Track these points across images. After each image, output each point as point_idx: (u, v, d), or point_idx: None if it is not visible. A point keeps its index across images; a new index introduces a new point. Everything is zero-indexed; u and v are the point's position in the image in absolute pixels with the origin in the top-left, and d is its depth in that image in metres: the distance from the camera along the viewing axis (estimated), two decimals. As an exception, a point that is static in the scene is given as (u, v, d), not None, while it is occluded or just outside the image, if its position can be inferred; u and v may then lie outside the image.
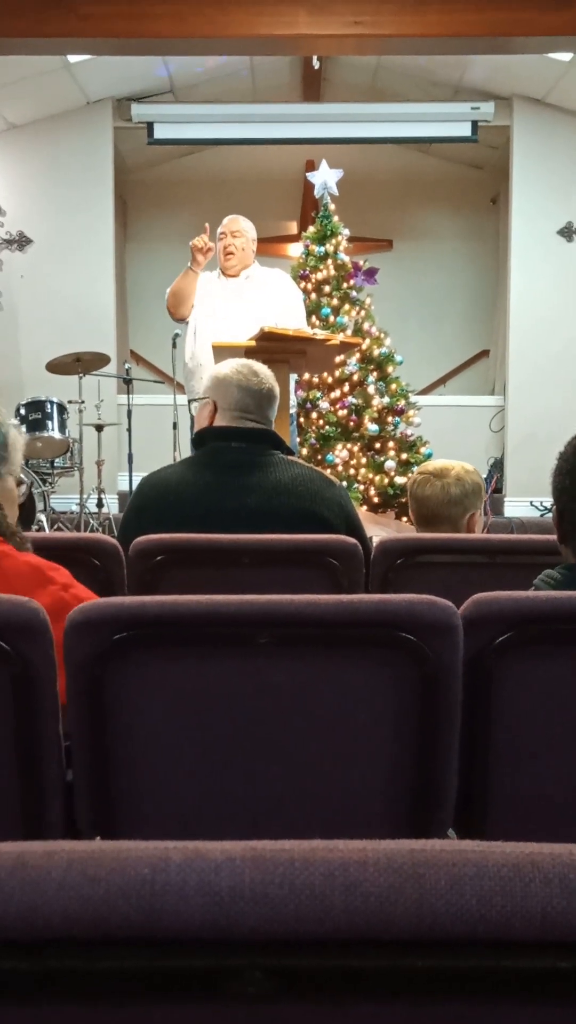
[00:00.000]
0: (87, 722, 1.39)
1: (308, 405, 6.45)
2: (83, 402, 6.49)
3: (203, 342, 4.58)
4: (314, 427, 6.46)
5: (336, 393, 6.52)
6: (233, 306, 4.56)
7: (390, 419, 6.54)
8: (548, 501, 1.83)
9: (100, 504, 6.64)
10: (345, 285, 6.80)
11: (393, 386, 6.62)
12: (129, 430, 6.61)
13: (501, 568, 2.26)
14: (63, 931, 0.58)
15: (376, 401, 6.52)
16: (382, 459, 6.40)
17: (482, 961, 0.58)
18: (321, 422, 6.46)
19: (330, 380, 6.52)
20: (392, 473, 6.35)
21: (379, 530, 5.37)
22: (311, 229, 7.07)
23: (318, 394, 6.49)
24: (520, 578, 1.86)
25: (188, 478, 2.44)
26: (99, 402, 6.82)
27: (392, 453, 6.44)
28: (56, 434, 6.22)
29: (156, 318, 4.88)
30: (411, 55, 7.16)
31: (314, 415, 6.46)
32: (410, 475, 6.24)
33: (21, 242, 8.09)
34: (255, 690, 1.41)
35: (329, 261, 6.84)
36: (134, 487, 2.61)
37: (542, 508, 7.58)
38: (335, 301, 6.70)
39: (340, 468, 6.32)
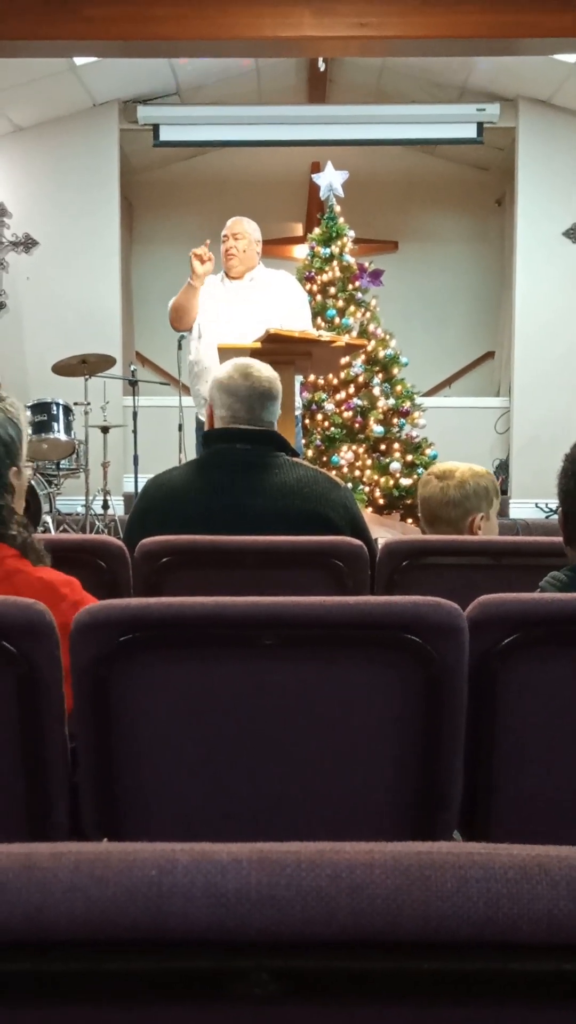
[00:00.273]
0: (92, 723, 1.39)
1: (313, 406, 6.46)
2: (89, 404, 6.50)
3: (207, 346, 4.58)
4: (319, 428, 6.46)
5: (341, 395, 6.53)
6: (237, 309, 4.56)
7: (395, 421, 6.54)
8: (553, 503, 1.83)
9: (106, 506, 6.64)
10: (350, 287, 6.80)
11: (398, 388, 6.63)
12: (135, 432, 6.62)
13: (506, 570, 2.26)
14: (70, 933, 0.58)
15: (381, 403, 6.52)
16: (387, 461, 6.40)
17: (488, 964, 0.57)
18: (326, 423, 6.46)
19: (335, 382, 6.52)
20: (397, 475, 6.34)
21: (384, 532, 5.37)
22: (316, 231, 7.08)
23: (323, 396, 6.49)
24: (525, 580, 1.86)
25: (193, 480, 2.44)
26: (105, 404, 6.82)
27: (397, 455, 6.44)
28: (62, 436, 6.23)
29: (161, 320, 4.87)
30: (416, 57, 7.16)
31: (319, 416, 6.47)
32: (416, 476, 6.26)
33: (27, 244, 8.10)
34: (260, 691, 1.41)
35: (334, 263, 6.85)
36: (140, 489, 2.61)
37: (547, 510, 7.57)
38: (340, 303, 6.70)
39: (345, 469, 6.32)
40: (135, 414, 6.64)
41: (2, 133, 7.96)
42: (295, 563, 2.17)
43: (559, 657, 1.46)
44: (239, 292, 4.68)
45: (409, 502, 6.30)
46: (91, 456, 6.60)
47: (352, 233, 6.99)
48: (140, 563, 2.18)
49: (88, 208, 8.02)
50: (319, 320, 6.45)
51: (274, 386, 2.50)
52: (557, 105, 7.95)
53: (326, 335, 4.24)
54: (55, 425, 6.21)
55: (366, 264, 7.10)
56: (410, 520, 6.29)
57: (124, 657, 1.36)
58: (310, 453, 6.34)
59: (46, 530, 5.91)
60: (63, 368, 6.38)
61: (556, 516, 1.85)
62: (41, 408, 6.22)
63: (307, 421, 6.39)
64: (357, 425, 6.49)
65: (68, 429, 6.31)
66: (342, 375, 6.46)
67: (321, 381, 6.46)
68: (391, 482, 6.34)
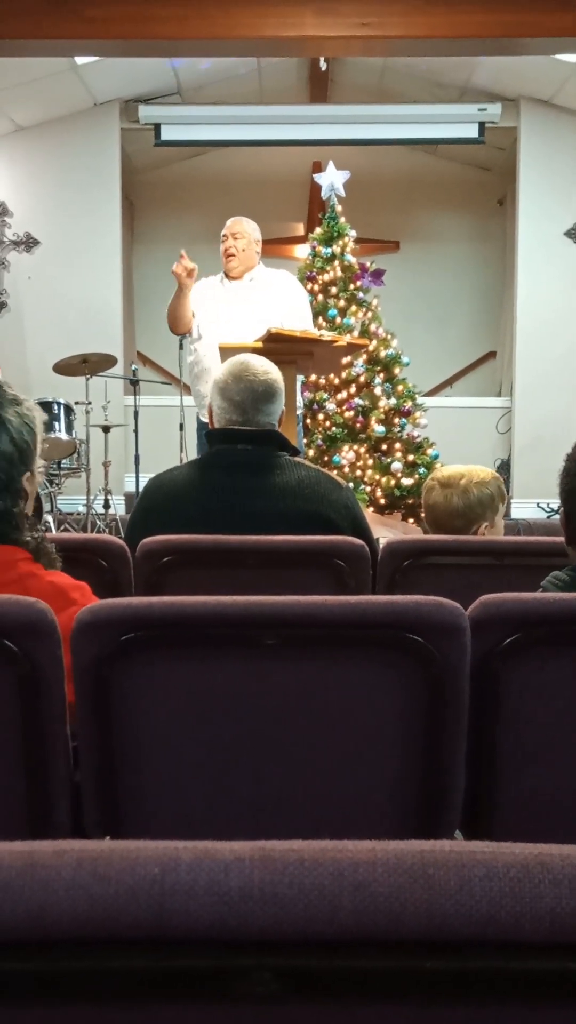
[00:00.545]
0: (94, 723, 1.39)
1: (315, 406, 6.46)
2: (90, 403, 6.50)
3: (207, 346, 4.58)
4: (320, 428, 6.46)
5: (343, 394, 6.53)
6: (237, 309, 4.56)
7: (397, 420, 6.54)
8: (555, 503, 1.83)
9: (107, 505, 6.64)
10: (352, 286, 6.80)
11: (400, 387, 6.62)
12: (136, 431, 6.62)
13: (508, 570, 2.26)
14: (72, 931, 0.58)
15: (383, 402, 6.52)
16: (388, 460, 6.40)
17: (491, 962, 0.57)
18: (328, 423, 6.46)
19: (337, 381, 6.52)
20: (399, 474, 6.34)
21: (386, 531, 5.37)
22: (318, 230, 7.07)
23: (325, 395, 6.49)
24: (527, 580, 1.86)
25: (195, 480, 2.44)
26: (106, 403, 6.82)
27: (399, 454, 6.44)
28: (63, 435, 6.24)
29: (163, 319, 4.87)
30: (418, 56, 7.15)
31: (321, 416, 6.47)
32: (418, 476, 6.26)
33: (28, 243, 8.10)
34: (262, 691, 1.41)
35: (336, 262, 6.85)
36: (141, 488, 2.60)
37: (549, 510, 7.57)
38: (342, 302, 6.70)
39: (347, 469, 6.31)
40: (136, 413, 6.64)
41: (3, 133, 7.96)
42: (296, 563, 2.17)
43: (561, 657, 1.46)
44: (239, 292, 4.67)
45: (411, 502, 6.31)
46: (92, 455, 6.60)
47: (353, 233, 6.99)
48: (141, 563, 2.18)
49: (89, 207, 8.02)
50: (320, 320, 6.45)
51: (271, 385, 2.46)
52: (559, 105, 7.94)
53: (327, 335, 4.24)
54: (56, 424, 6.22)
55: (367, 264, 7.10)
56: (411, 520, 6.29)
57: (125, 656, 1.36)
58: (311, 453, 6.34)
59: (47, 529, 5.92)
60: (64, 367, 6.38)
61: (558, 516, 1.85)
62: (42, 407, 6.19)
63: (308, 421, 6.39)
64: (358, 425, 6.49)
65: (69, 428, 6.31)
66: (343, 375, 6.46)
67: (322, 381, 6.46)
68: (392, 482, 6.34)
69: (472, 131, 8.10)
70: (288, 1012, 0.60)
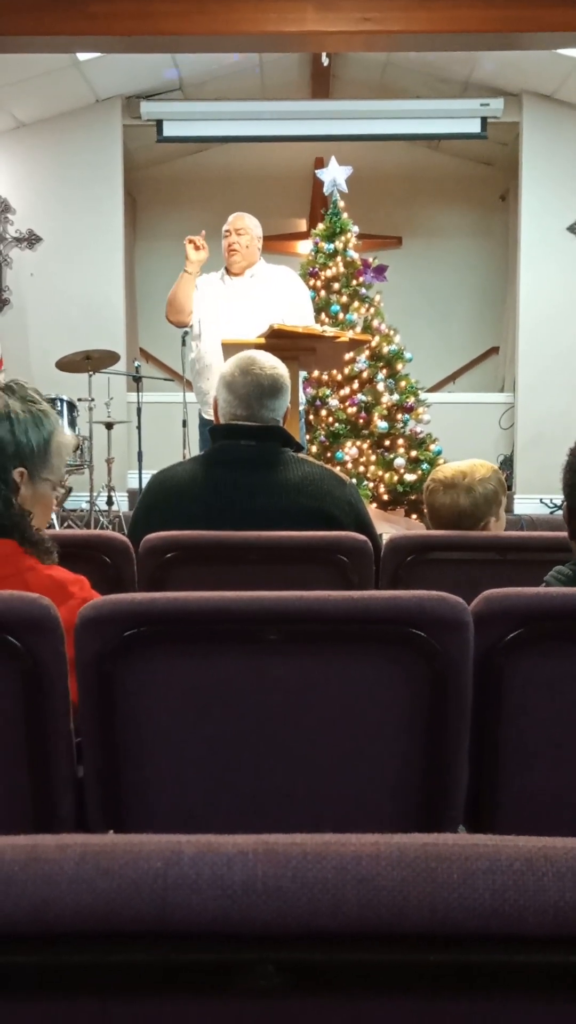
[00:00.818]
0: (97, 718, 1.39)
1: (317, 402, 6.45)
2: (93, 400, 6.50)
3: (208, 343, 4.58)
4: (323, 424, 6.45)
5: (345, 390, 6.52)
6: (238, 305, 4.55)
7: (399, 416, 6.54)
8: (558, 498, 1.83)
9: (110, 502, 6.65)
10: (354, 282, 6.79)
11: (402, 383, 6.62)
12: (139, 428, 6.62)
13: (511, 565, 2.26)
14: (75, 925, 0.58)
15: (385, 398, 6.51)
16: (392, 456, 6.40)
17: (495, 956, 0.57)
18: (330, 419, 6.45)
19: (339, 377, 6.51)
20: (402, 470, 6.34)
21: (389, 527, 5.37)
22: (320, 226, 7.06)
23: (327, 391, 6.49)
24: (530, 575, 1.86)
25: (198, 476, 2.44)
26: (109, 400, 6.83)
27: (402, 450, 6.43)
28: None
29: (165, 316, 4.88)
30: (420, 51, 7.14)
31: (323, 412, 6.46)
32: (421, 471, 6.26)
33: (31, 240, 8.10)
34: (265, 686, 1.41)
35: (338, 258, 6.83)
36: (144, 485, 2.60)
37: (552, 505, 7.56)
38: (344, 298, 6.69)
39: (350, 465, 6.31)
40: (139, 410, 6.64)
41: (5, 129, 7.95)
42: (299, 559, 2.17)
43: (564, 652, 1.46)
44: (240, 289, 4.67)
45: (413, 498, 6.30)
46: (95, 452, 6.60)
47: (356, 229, 6.98)
48: (144, 559, 2.18)
49: (91, 204, 8.01)
50: (323, 316, 6.44)
51: (278, 380, 2.47)
52: (561, 100, 7.92)
53: (330, 331, 4.24)
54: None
55: (370, 260, 7.09)
56: (414, 516, 6.28)
57: (128, 652, 1.36)
58: (314, 449, 6.34)
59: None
60: (67, 364, 6.38)
61: (561, 511, 1.85)
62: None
63: (311, 417, 6.39)
64: (361, 421, 6.48)
65: (72, 425, 6.32)
66: (346, 371, 6.45)
67: (325, 377, 6.46)
68: (395, 478, 6.34)
69: (474, 126, 8.08)
70: (291, 1006, 0.60)
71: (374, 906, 0.57)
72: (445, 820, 1.43)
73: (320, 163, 7.88)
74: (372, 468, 6.39)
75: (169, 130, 8.16)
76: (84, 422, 6.47)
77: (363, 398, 6.50)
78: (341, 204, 7.00)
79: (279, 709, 1.41)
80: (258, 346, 3.47)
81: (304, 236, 8.61)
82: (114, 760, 1.41)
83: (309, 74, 8.34)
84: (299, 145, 8.49)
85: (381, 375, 6.58)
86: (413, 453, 6.44)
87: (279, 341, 3.59)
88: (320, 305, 6.45)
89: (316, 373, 6.26)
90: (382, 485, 6.36)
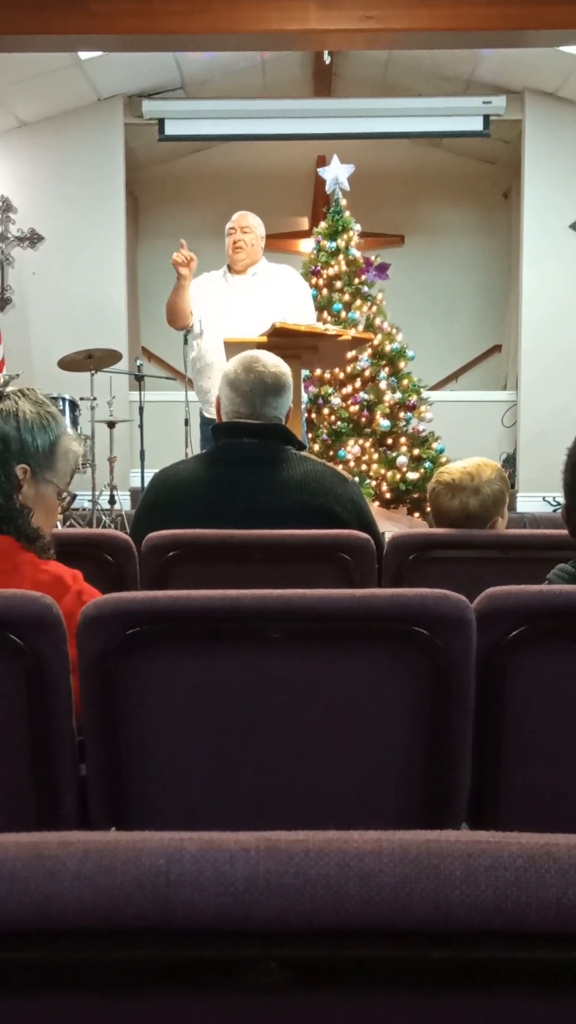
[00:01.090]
0: (100, 716, 1.39)
1: (320, 401, 6.45)
2: (95, 399, 6.50)
3: (209, 341, 4.58)
4: (326, 423, 6.45)
5: (348, 389, 6.52)
6: (240, 304, 4.56)
7: (402, 415, 6.53)
8: (560, 496, 1.82)
9: (112, 500, 6.65)
10: (357, 281, 6.78)
11: (405, 382, 6.61)
12: (141, 427, 6.62)
13: (514, 563, 2.26)
14: (78, 921, 0.58)
15: (388, 397, 6.50)
16: (394, 455, 6.39)
17: (497, 952, 0.57)
18: (333, 418, 6.45)
19: (342, 376, 6.51)
20: (404, 469, 6.33)
21: (391, 526, 5.37)
22: (322, 224, 7.05)
23: (330, 390, 6.48)
24: (533, 573, 1.86)
25: (200, 474, 2.44)
26: (111, 399, 6.83)
27: (404, 449, 6.43)
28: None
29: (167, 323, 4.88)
30: (422, 49, 7.13)
31: (326, 411, 6.46)
32: (423, 470, 6.25)
33: (32, 239, 8.10)
34: (267, 684, 1.41)
35: (340, 257, 6.83)
36: (146, 483, 2.60)
37: (555, 503, 7.56)
38: (347, 297, 6.69)
39: (352, 464, 6.31)
40: (141, 409, 6.64)
41: (7, 128, 7.95)
42: (302, 557, 2.17)
43: (566, 649, 1.46)
44: (242, 287, 4.68)
45: (416, 496, 6.30)
46: (97, 451, 6.60)
47: (358, 227, 6.97)
48: (147, 557, 2.18)
49: (93, 203, 8.01)
50: (325, 314, 6.44)
51: (280, 379, 2.47)
52: (564, 97, 7.91)
53: (332, 329, 4.23)
54: (61, 420, 6.22)
55: (372, 258, 7.09)
56: (417, 514, 6.28)
57: (131, 650, 1.37)
58: (316, 447, 6.34)
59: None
60: (69, 363, 6.38)
61: (562, 509, 1.85)
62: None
63: (313, 415, 6.39)
64: (364, 419, 6.48)
65: (74, 424, 6.31)
66: (348, 369, 6.45)
67: (327, 375, 6.45)
68: (398, 476, 6.33)
69: (477, 124, 8.07)
70: (294, 1003, 0.60)
71: (376, 903, 0.57)
72: (448, 817, 1.43)
73: (322, 161, 7.87)
74: (374, 467, 6.39)
75: (171, 129, 8.15)
76: (86, 421, 6.47)
77: (365, 396, 6.50)
78: (343, 202, 7.00)
79: (282, 707, 1.41)
80: (260, 345, 3.46)
81: (306, 234, 8.61)
82: (116, 758, 1.41)
83: (311, 72, 8.34)
84: (301, 143, 8.49)
85: (383, 373, 6.57)
86: (415, 451, 6.44)
87: (281, 339, 3.59)
88: (322, 303, 6.45)
89: (318, 371, 6.26)
90: (384, 483, 6.35)
